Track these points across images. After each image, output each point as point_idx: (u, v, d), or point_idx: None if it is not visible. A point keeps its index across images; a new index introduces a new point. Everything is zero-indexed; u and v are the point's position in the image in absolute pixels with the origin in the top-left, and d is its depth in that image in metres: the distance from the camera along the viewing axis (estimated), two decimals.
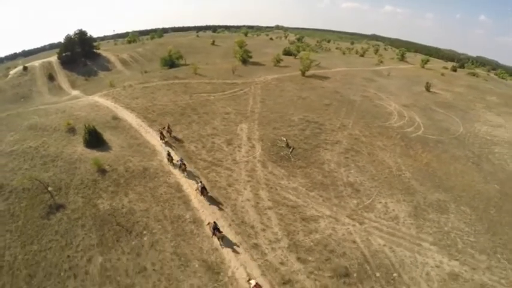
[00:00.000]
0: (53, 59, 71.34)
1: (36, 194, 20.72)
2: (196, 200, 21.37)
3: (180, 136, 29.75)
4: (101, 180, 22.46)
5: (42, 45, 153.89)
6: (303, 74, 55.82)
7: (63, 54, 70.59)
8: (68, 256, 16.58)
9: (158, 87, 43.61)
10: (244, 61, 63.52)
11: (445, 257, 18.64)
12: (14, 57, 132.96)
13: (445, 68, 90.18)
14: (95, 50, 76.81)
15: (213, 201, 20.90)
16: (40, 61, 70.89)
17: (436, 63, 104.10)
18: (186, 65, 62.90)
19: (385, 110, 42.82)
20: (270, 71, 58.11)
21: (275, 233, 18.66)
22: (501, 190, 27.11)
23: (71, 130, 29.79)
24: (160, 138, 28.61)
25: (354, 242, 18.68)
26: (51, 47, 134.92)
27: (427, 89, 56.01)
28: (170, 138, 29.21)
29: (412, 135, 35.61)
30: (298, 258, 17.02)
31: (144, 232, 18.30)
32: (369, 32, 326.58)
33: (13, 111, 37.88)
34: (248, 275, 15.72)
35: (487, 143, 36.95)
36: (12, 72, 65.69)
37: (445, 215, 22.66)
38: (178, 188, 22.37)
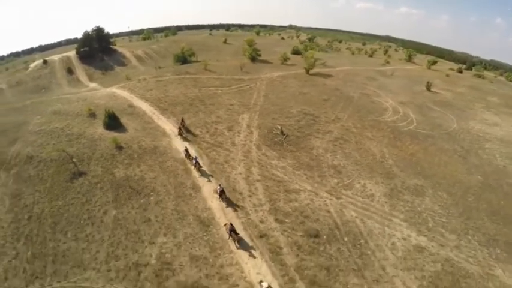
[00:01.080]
0: (71, 53, 75.31)
1: (62, 163, 24.57)
2: (195, 171, 24.64)
3: (187, 123, 32.93)
4: (118, 155, 26.24)
5: (58, 40, 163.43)
6: (307, 72, 57.98)
7: (81, 50, 74.31)
8: (87, 209, 20.30)
9: (170, 81, 47.05)
10: (253, 59, 65.90)
11: (413, 232, 20.47)
12: (30, 51, 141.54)
13: (452, 69, 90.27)
14: (111, 46, 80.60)
15: (230, 203, 21.49)
16: (59, 55, 75.15)
17: (444, 65, 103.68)
18: (197, 61, 65.62)
19: (381, 106, 44.86)
20: (277, 68, 60.48)
21: (259, 199, 21.82)
22: (484, 181, 28.46)
23: (92, 115, 33.71)
24: (179, 133, 29.88)
25: (328, 211, 21.41)
26: (68, 42, 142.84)
27: (428, 88, 56.97)
28: (183, 128, 31.20)
29: (404, 129, 37.60)
30: (276, 219, 20.01)
31: (151, 194, 21.93)
32: (382, 33, 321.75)
33: (36, 100, 42.03)
34: (260, 276, 16.14)
35: (479, 139, 38.20)
36: (32, 65, 69.76)
37: (421, 197, 24.47)
38: (183, 162, 25.91)
